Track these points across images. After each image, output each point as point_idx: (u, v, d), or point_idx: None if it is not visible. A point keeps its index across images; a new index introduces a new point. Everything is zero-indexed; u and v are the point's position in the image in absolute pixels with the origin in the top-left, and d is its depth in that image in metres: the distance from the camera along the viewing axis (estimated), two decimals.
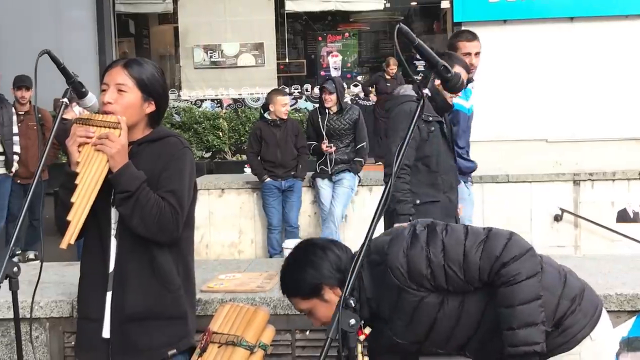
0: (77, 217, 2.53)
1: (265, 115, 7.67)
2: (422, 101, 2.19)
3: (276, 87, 13.40)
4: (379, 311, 2.47)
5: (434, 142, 4.17)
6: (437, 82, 2.36)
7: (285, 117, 7.57)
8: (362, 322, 2.34)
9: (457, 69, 3.63)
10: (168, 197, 2.60)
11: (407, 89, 4.28)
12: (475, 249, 2.37)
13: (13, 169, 7.89)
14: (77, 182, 2.54)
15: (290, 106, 13.62)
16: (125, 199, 2.56)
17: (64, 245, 2.57)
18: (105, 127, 2.58)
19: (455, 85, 2.29)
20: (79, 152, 2.57)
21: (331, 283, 2.45)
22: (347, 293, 2.07)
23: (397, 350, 2.61)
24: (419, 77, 5.77)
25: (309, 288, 2.46)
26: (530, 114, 11.17)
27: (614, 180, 7.97)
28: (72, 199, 2.53)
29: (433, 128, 4.14)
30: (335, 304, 2.33)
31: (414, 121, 2.16)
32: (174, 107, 13.39)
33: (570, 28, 11.63)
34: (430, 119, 4.13)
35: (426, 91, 2.20)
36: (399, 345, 2.54)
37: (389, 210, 3.62)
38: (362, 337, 2.33)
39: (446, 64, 2.26)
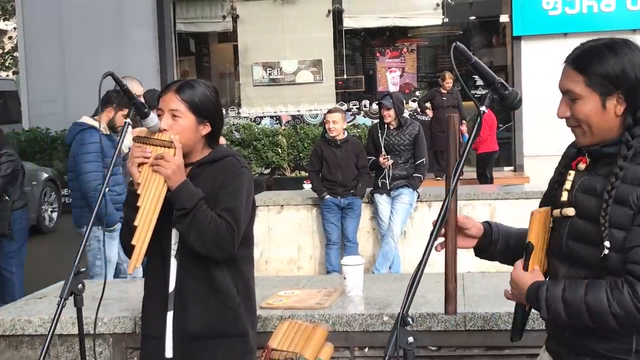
0: (141, 240, 2.57)
1: (326, 135, 7.69)
2: (479, 118, 2.19)
3: (334, 103, 13.48)
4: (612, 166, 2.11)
5: None
6: None
7: (332, 134, 7.51)
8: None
9: None
10: (224, 215, 2.63)
11: None
12: None
13: None
14: (138, 204, 2.59)
15: (349, 122, 13.71)
16: (182, 215, 2.60)
17: (130, 270, 2.63)
18: (160, 145, 2.64)
19: (512, 103, 2.28)
20: (139, 172, 2.63)
21: (625, 96, 2.09)
22: (405, 310, 2.05)
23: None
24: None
25: (602, 76, 2.09)
26: None
27: None
28: (135, 222, 2.57)
29: None
30: (609, 118, 2.11)
31: None
32: (233, 125, 13.57)
33: (633, 40, 11.42)
34: None
35: (483, 108, 2.20)
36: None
37: None
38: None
39: (503, 81, 2.25)
